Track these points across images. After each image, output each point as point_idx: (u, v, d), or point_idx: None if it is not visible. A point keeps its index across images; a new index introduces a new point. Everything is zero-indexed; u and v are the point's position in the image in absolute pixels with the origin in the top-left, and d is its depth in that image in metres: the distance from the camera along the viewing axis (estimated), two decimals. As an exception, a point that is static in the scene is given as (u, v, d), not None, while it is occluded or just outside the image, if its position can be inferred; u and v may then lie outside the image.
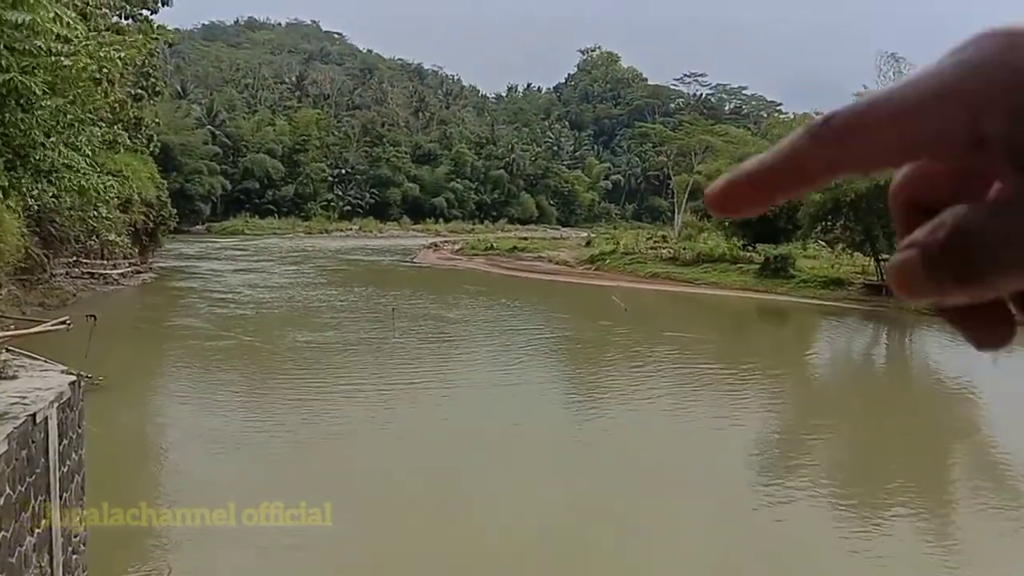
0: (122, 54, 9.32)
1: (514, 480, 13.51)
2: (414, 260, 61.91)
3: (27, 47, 7.56)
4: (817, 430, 18.91)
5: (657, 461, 15.22)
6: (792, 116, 52.53)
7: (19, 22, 7.00)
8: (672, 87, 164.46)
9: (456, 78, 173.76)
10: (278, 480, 12.70)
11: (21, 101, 8.20)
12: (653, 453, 15.75)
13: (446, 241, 79.55)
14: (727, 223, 55.31)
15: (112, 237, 30.65)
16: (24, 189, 11.15)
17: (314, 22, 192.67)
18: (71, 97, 9.80)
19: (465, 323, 31.42)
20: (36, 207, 21.85)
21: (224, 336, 25.42)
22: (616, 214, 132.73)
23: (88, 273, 34.40)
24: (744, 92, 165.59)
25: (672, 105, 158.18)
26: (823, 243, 49.39)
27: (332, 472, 13.42)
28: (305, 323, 28.66)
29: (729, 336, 32.98)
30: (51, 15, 7.31)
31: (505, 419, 17.78)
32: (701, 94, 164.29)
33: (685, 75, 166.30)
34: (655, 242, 62.52)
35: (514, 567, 10.44)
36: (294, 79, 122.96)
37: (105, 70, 10.56)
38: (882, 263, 42.07)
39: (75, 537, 6.57)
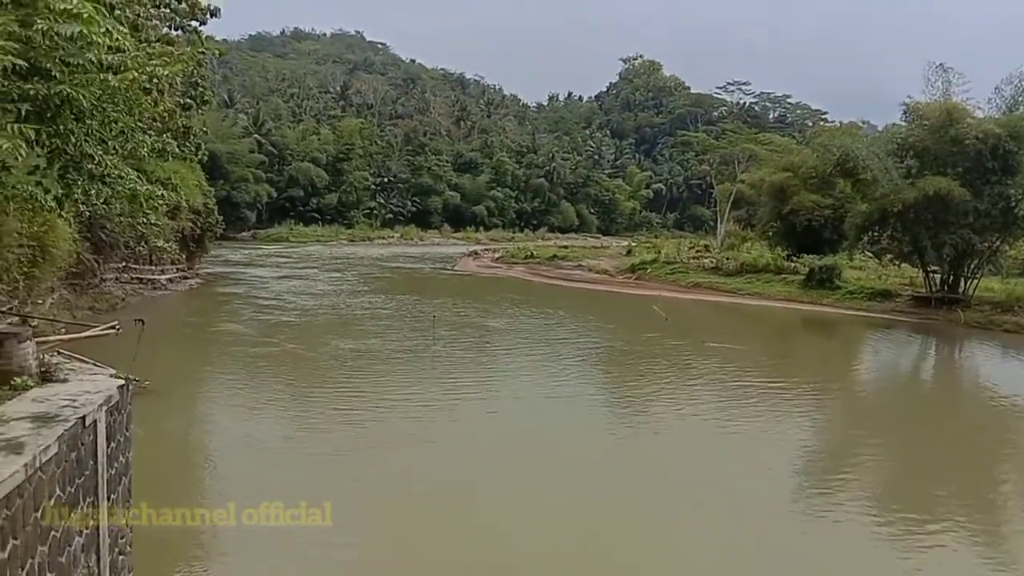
0: (167, 71, 9.47)
1: (553, 493, 13.43)
2: (455, 268, 62.18)
3: (79, 61, 7.73)
4: (864, 445, 18.50)
5: (699, 474, 15.02)
6: (839, 124, 51.64)
7: (70, 35, 7.17)
8: (715, 95, 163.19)
9: (497, 87, 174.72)
10: (316, 487, 12.76)
11: (74, 112, 8.39)
12: (695, 466, 15.55)
13: (486, 249, 79.81)
14: (771, 233, 54.77)
15: (160, 243, 31.30)
16: (78, 196, 11.42)
17: (358, 32, 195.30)
18: (122, 107, 9.99)
19: (507, 332, 31.41)
20: (88, 214, 22.38)
21: (268, 343, 25.73)
22: (657, 223, 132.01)
23: (137, 278, 35.15)
24: (788, 100, 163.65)
25: (715, 113, 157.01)
26: (870, 254, 48.46)
27: (369, 480, 13.49)
28: (348, 331, 28.89)
29: (773, 347, 32.49)
30: (102, 29, 7.47)
31: (545, 430, 17.72)
32: (744, 102, 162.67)
33: (728, 83, 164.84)
34: (697, 251, 61.97)
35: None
36: (338, 89, 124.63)
37: (155, 81, 10.77)
38: (931, 274, 41.15)
39: (122, 538, 6.68)
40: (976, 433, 19.62)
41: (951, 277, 40.29)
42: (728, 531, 12.12)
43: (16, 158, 7.67)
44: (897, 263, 45.23)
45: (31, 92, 7.58)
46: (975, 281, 39.62)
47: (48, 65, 7.82)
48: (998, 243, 39.32)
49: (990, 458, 17.36)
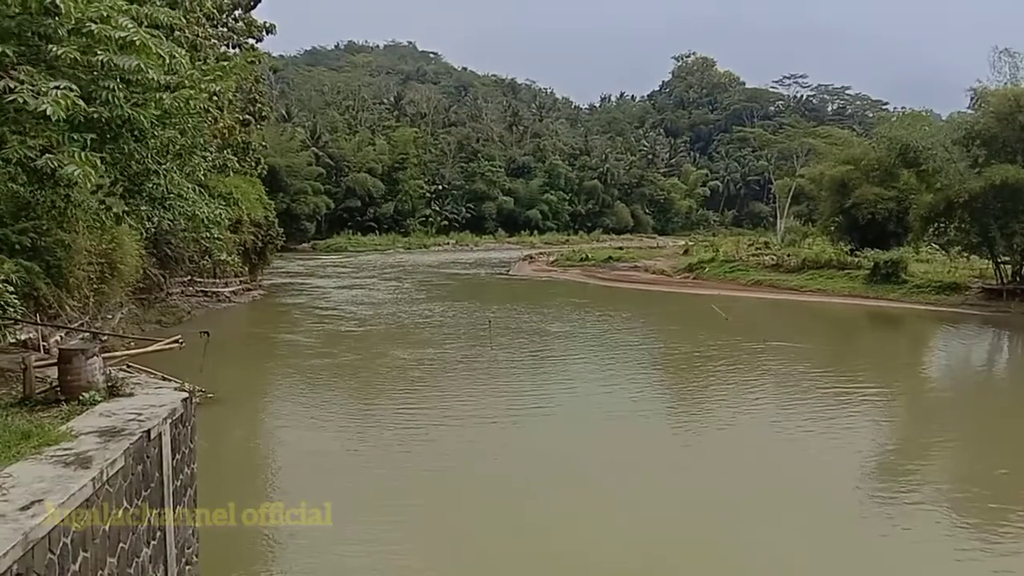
0: (219, 86, 9.72)
1: (621, 496, 13.35)
2: (510, 272, 62.31)
3: (138, 80, 7.97)
4: (933, 443, 17.92)
5: (765, 474, 14.75)
6: (901, 111, 50.16)
7: (128, 67, 7.41)
8: (771, 90, 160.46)
9: (549, 91, 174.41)
10: (375, 499, 12.87)
11: (135, 132, 8.67)
12: (761, 466, 15.27)
13: (541, 253, 79.76)
14: (833, 227, 53.54)
15: (223, 257, 31.85)
16: (141, 216, 11.78)
17: (411, 43, 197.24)
18: (181, 128, 10.28)
19: (564, 337, 31.29)
20: (153, 231, 23.07)
21: (329, 353, 26.11)
22: (715, 221, 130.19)
23: (201, 291, 36.12)
24: (847, 92, 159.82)
25: (771, 108, 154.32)
26: (936, 246, 46.99)
27: (428, 494, 13.58)
28: (406, 339, 29.11)
29: (839, 345, 31.70)
30: (159, 60, 7.71)
31: (611, 435, 17.62)
32: (802, 96, 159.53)
33: (784, 77, 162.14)
34: (756, 248, 60.88)
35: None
36: (392, 99, 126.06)
37: (215, 99, 11.05)
38: (1001, 265, 39.68)
39: (188, 548, 6.84)
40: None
41: (1023, 267, 38.80)
42: (801, 538, 11.85)
43: (87, 183, 7.97)
44: (966, 255, 43.73)
45: (94, 115, 7.87)
46: (1049, 271, 38.10)
47: (110, 85, 8.07)
48: (1072, 231, 37.75)
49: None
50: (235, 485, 13.75)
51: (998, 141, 37.50)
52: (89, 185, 8.36)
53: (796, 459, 15.79)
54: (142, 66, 7.43)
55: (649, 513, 12.58)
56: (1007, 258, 39.50)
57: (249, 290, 41.83)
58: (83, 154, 7.66)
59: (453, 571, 10.62)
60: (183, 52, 9.06)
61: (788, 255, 52.53)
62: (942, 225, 42.07)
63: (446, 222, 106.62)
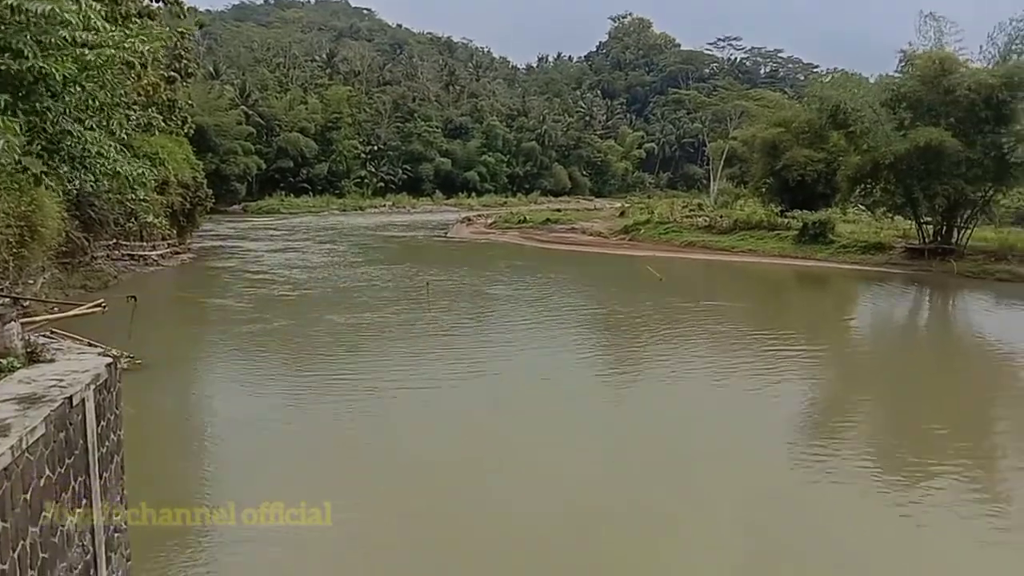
0: (146, 47, 9.31)
1: (555, 451, 13.53)
2: (448, 235, 61.99)
3: (52, 39, 7.59)
4: (859, 396, 18.67)
5: (699, 431, 15.15)
6: (833, 72, 51.07)
7: (40, 12, 7.03)
8: (706, 52, 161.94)
9: (486, 50, 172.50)
10: (310, 467, 12.75)
11: (49, 88, 8.26)
12: (696, 423, 15.68)
13: (479, 215, 79.42)
14: (764, 189, 54.65)
15: (150, 219, 30.98)
16: (60, 176, 11.29)
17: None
18: (100, 83, 9.84)
19: (503, 299, 31.38)
20: (75, 192, 22.15)
21: (262, 319, 25.57)
22: (650, 183, 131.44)
23: (128, 255, 34.98)
24: (780, 55, 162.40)
25: (706, 70, 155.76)
26: (863, 207, 48.44)
27: (365, 463, 13.55)
28: (342, 304, 28.60)
29: (769, 304, 32.58)
30: (73, 6, 7.33)
31: (547, 396, 17.82)
32: (736, 58, 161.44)
33: (719, 39, 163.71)
34: (691, 210, 61.79)
35: (537, 535, 10.45)
36: (324, 56, 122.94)
37: (138, 55, 10.59)
38: (924, 226, 41.16)
39: (116, 516, 6.69)
40: (969, 383, 19.76)
41: (944, 228, 40.33)
42: (730, 485, 12.22)
43: (12, 154, 7.58)
44: (890, 216, 45.24)
45: (2, 68, 7.46)
46: (968, 231, 39.68)
47: (20, 45, 7.67)
48: (991, 192, 39.30)
49: (983, 407, 17.51)
50: (166, 454, 13.50)
51: (923, 104, 38.61)
52: (15, 156, 7.94)
53: (730, 416, 16.20)
54: (56, 10, 7.04)
55: (582, 472, 12.80)
56: (929, 219, 40.95)
57: (178, 253, 40.69)
58: (2, 119, 7.28)
59: (383, 547, 10.63)
60: (97, 7, 8.60)
61: (720, 217, 53.47)
62: (868, 186, 43.30)
63: (382, 184, 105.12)
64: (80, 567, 5.75)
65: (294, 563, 9.34)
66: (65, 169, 10.29)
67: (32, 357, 6.90)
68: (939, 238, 40.21)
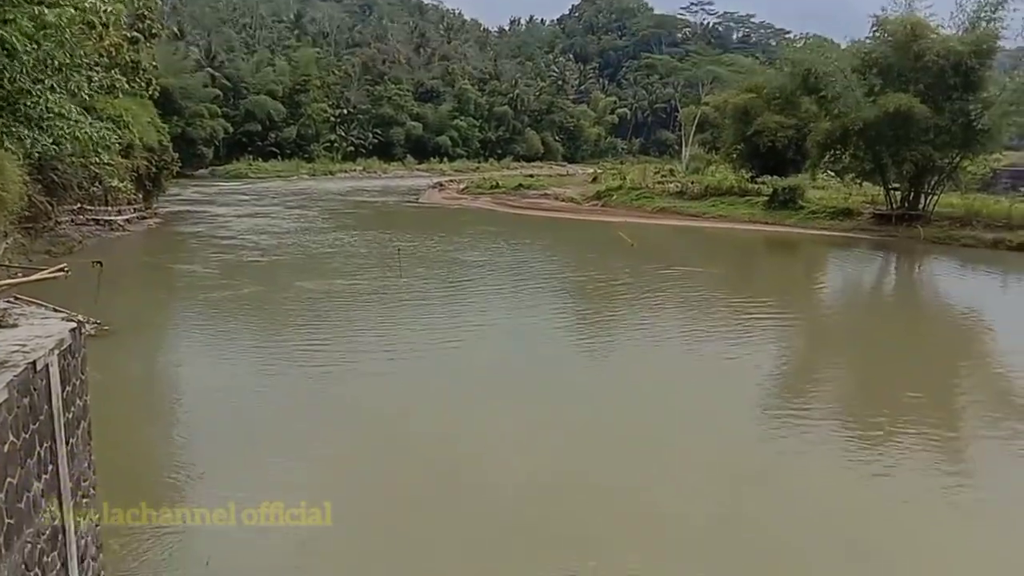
0: (109, 7, 9.04)
1: (524, 417, 13.63)
2: (420, 200, 61.57)
3: None
4: (826, 359, 18.99)
5: (666, 392, 15.33)
6: (803, 38, 50.98)
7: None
8: (679, 16, 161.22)
9: (457, 12, 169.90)
10: (277, 438, 12.67)
11: (5, 47, 8.01)
12: (662, 385, 15.85)
13: (451, 180, 78.93)
14: (735, 155, 54.81)
15: (115, 183, 30.32)
16: (19, 138, 11.00)
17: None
18: (59, 42, 9.56)
19: (476, 265, 31.28)
20: (36, 155, 21.63)
21: (231, 285, 25.29)
22: (623, 149, 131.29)
23: (93, 220, 34.34)
24: (752, 20, 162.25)
25: (679, 35, 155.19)
26: (832, 173, 48.78)
27: (338, 431, 13.54)
28: (313, 271, 28.34)
29: (739, 269, 32.87)
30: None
31: (517, 360, 17.89)
32: (708, 23, 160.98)
33: (692, 3, 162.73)
34: (662, 176, 61.87)
35: (517, 499, 10.57)
36: (292, 17, 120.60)
37: (99, 15, 10.31)
38: (892, 192, 41.61)
39: (84, 481, 6.64)
40: (932, 346, 20.17)
41: (911, 194, 40.80)
42: (700, 449, 12.41)
43: None
44: (859, 182, 45.65)
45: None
46: (935, 197, 40.18)
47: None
48: (958, 159, 39.75)
49: (945, 370, 17.90)
50: (132, 420, 13.39)
51: (893, 70, 38.81)
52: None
53: (703, 382, 16.39)
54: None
55: (554, 438, 12.91)
56: (897, 185, 41.40)
57: (144, 218, 40.03)
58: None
59: (359, 514, 10.68)
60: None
61: (692, 183, 53.62)
62: (838, 152, 43.58)
63: (352, 148, 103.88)
64: (48, 531, 5.70)
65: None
66: (23, 129, 10.01)
67: (-7, 322, 6.77)
68: (907, 204, 40.70)
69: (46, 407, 5.78)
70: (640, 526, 9.96)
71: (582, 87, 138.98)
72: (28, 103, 9.36)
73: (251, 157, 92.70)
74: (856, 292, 29.41)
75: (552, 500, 10.54)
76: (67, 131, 10.39)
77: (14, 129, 9.35)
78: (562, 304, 25.14)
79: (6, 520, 4.96)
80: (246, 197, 59.91)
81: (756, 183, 49.22)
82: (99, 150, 12.66)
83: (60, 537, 5.98)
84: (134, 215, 38.61)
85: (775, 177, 46.81)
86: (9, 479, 5.03)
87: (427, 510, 10.13)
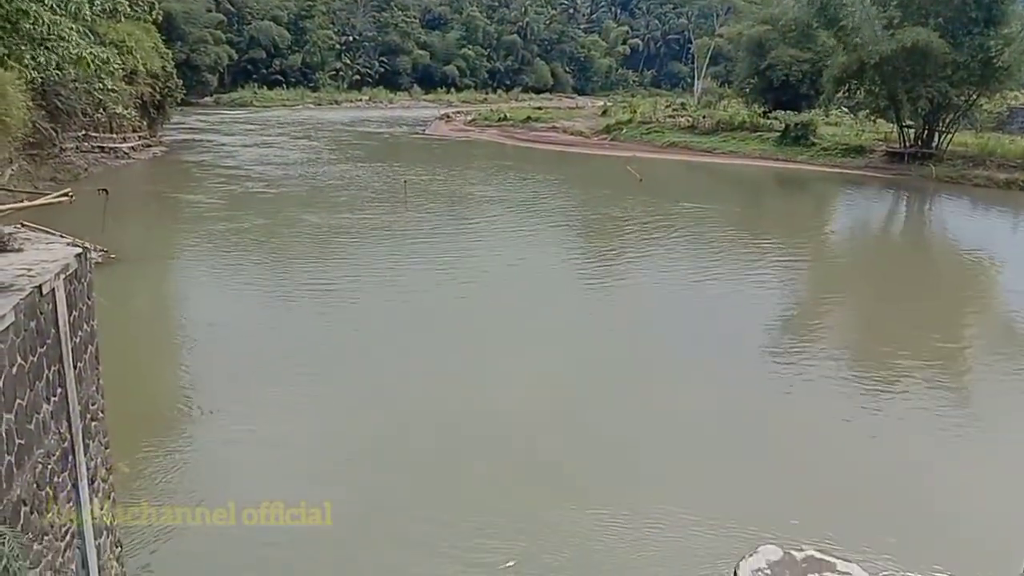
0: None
1: (539, 345, 13.72)
2: (426, 132, 60.87)
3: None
4: (834, 297, 18.99)
5: (671, 325, 15.40)
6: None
7: None
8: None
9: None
10: (282, 371, 12.73)
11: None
12: (668, 318, 15.91)
13: (458, 112, 77.83)
14: (748, 89, 53.80)
15: (119, 110, 30.05)
16: (23, 59, 10.84)
17: None
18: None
19: (483, 200, 31.08)
20: (40, 80, 21.33)
21: (237, 216, 25.13)
22: (634, 81, 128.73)
23: (98, 147, 34.09)
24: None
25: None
26: (846, 109, 47.95)
27: (342, 371, 13.62)
28: (319, 203, 28.10)
29: (748, 206, 32.61)
30: None
31: (525, 289, 17.93)
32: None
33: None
34: (673, 110, 60.85)
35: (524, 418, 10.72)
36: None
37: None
38: (905, 129, 40.94)
39: (93, 404, 6.72)
40: (939, 287, 20.12)
41: (925, 132, 40.15)
42: (704, 383, 12.51)
43: None
44: (873, 118, 44.87)
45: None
46: (949, 136, 39.54)
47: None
48: (975, 96, 38.99)
49: (951, 311, 17.89)
50: (139, 349, 13.50)
51: (914, 2, 37.77)
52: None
53: (706, 318, 16.42)
54: None
55: (563, 369, 13.02)
56: (911, 122, 40.68)
57: (149, 146, 39.70)
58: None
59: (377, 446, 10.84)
60: None
61: (703, 117, 52.79)
62: (852, 87, 42.75)
63: (358, 77, 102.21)
64: (58, 453, 5.80)
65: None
66: (26, 48, 9.85)
67: (-1, 247, 6.76)
68: (920, 142, 40.09)
69: (53, 331, 5.81)
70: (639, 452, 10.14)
71: (594, 16, 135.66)
72: (29, 23, 9.17)
73: (256, 85, 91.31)
74: (863, 231, 29.20)
75: (555, 431, 10.71)
76: (72, 52, 10.20)
77: (15, 49, 9.18)
78: (569, 239, 25.04)
79: (17, 440, 5.03)
80: (251, 126, 59.30)
81: (768, 118, 48.44)
82: (102, 75, 12.42)
83: (70, 458, 6.07)
84: (139, 143, 38.30)
85: (788, 112, 46.01)
86: (19, 400, 5.09)
87: (431, 436, 10.32)
